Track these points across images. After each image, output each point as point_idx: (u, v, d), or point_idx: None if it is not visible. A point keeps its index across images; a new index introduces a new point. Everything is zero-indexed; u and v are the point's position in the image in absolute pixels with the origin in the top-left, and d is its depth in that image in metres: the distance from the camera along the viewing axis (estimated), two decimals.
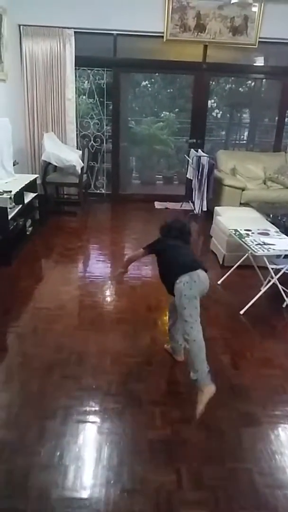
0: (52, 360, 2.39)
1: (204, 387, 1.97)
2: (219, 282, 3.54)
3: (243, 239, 3.16)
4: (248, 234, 3.27)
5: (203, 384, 1.98)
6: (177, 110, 8.84)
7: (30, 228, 4.50)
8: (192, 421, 1.96)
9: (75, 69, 5.56)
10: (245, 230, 3.38)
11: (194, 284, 2.08)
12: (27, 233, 4.36)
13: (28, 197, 4.44)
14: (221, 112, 9.52)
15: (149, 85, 9.47)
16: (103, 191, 6.52)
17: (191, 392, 2.14)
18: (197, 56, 5.81)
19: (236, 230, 3.36)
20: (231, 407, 2.09)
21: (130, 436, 1.89)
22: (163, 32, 5.45)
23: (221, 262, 3.93)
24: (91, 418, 2.00)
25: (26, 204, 4.23)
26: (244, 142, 8.85)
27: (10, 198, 3.56)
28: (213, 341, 2.66)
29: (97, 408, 2.05)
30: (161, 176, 8.63)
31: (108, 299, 3.19)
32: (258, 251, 2.93)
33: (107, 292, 3.31)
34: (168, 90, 9.35)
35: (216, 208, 4.67)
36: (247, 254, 3.39)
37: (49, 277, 3.55)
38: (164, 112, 8.60)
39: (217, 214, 4.51)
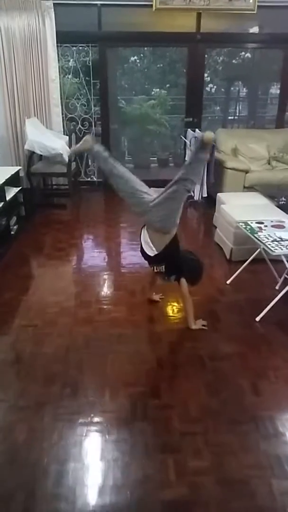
0: (42, 396, 2.03)
1: None
2: (228, 282, 3.16)
3: (255, 235, 2.77)
4: (260, 228, 2.87)
5: None
6: (168, 86, 8.31)
7: (15, 227, 4.09)
8: (213, 473, 1.61)
9: (57, 46, 5.05)
10: (256, 223, 2.98)
11: None
12: (12, 232, 3.95)
13: (11, 192, 4.01)
14: (215, 87, 8.98)
15: (138, 61, 8.90)
16: (95, 179, 6.07)
17: (209, 432, 1.79)
18: (189, 27, 5.28)
19: (246, 224, 2.96)
20: (257, 452, 1.74)
21: (137, 497, 1.54)
22: (152, 0, 4.91)
23: (228, 257, 3.55)
24: (90, 476, 1.64)
25: (8, 200, 3.80)
26: (243, 118, 8.34)
27: None
28: (227, 360, 2.30)
29: (97, 460, 1.70)
30: (155, 159, 8.15)
31: (105, 309, 2.81)
32: (276, 249, 2.54)
33: (103, 301, 2.92)
34: (158, 65, 8.78)
35: (219, 194, 4.25)
36: (259, 249, 3.00)
37: (37, 285, 3.15)
38: (155, 89, 8.06)
39: (220, 202, 4.10)
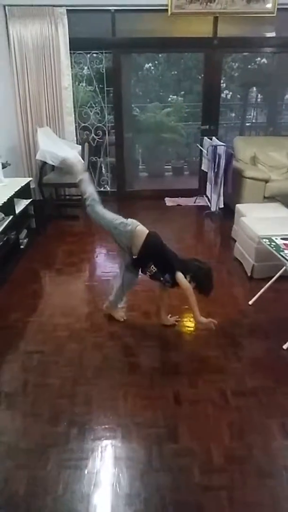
0: (45, 437, 1.82)
1: None
2: (250, 303, 2.92)
3: (282, 253, 2.53)
4: (286, 245, 2.63)
5: None
6: (182, 92, 8.14)
7: (25, 240, 3.93)
8: None
9: (70, 53, 4.91)
10: (281, 238, 2.75)
11: None
12: (21, 246, 3.79)
13: (21, 205, 3.86)
14: (230, 93, 8.78)
15: (152, 68, 8.77)
16: (108, 189, 5.91)
17: (235, 487, 1.56)
18: (204, 32, 5.10)
19: (270, 240, 2.73)
20: None
21: None
22: (167, 5, 4.74)
23: (249, 274, 3.31)
24: None
25: (18, 214, 3.65)
26: (260, 124, 8.10)
27: None
28: (253, 395, 2.06)
29: None
30: (170, 167, 7.97)
31: (117, 333, 2.60)
32: None
33: (115, 324, 2.71)
34: (173, 72, 8.63)
35: (238, 206, 4.02)
36: (285, 267, 2.76)
37: (45, 304, 2.96)
38: (171, 96, 7.89)
39: (240, 214, 3.87)
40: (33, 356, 2.36)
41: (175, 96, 8.08)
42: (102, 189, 5.89)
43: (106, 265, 3.68)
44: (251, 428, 1.88)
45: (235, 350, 2.41)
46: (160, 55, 8.22)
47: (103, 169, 6.00)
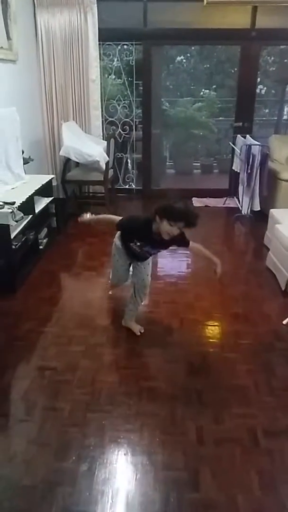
0: (52, 473, 1.63)
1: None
2: (284, 322, 2.64)
3: None
4: None
5: None
6: (214, 87, 7.80)
7: (44, 240, 3.76)
8: None
9: (99, 44, 4.69)
10: None
11: None
12: (40, 247, 3.62)
13: (41, 203, 3.68)
14: (265, 88, 8.38)
15: (184, 61, 8.46)
16: (133, 187, 5.69)
17: None
18: (241, 24, 4.78)
19: None
20: None
21: None
22: None
23: (283, 288, 3.02)
24: None
25: (37, 213, 3.47)
26: None
27: (12, 212, 2.79)
28: (287, 439, 1.80)
29: None
30: (198, 164, 7.68)
31: (135, 350, 2.38)
32: None
33: (134, 338, 2.49)
34: (205, 66, 8.30)
35: (273, 211, 3.72)
36: None
37: (61, 313, 2.77)
38: (203, 90, 7.56)
39: (274, 221, 3.57)
40: (45, 374, 2.17)
41: (207, 91, 7.75)
42: (127, 186, 5.68)
43: None
44: (285, 477, 1.63)
45: (267, 379, 2.15)
46: (192, 48, 7.90)
47: (129, 165, 5.78)
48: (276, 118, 7.60)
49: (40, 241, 3.68)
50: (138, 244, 2.27)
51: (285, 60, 8.03)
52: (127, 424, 1.87)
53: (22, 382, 2.12)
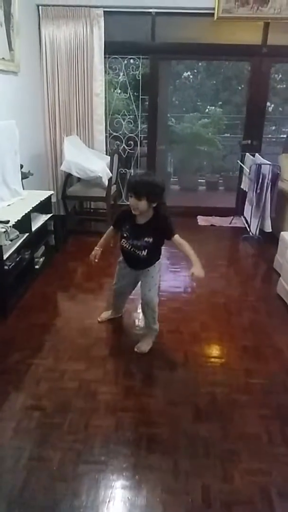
0: None
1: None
2: None
3: None
4: None
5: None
6: (220, 103, 7.71)
7: (41, 259, 3.55)
8: None
9: (105, 57, 4.56)
10: None
11: None
12: (36, 266, 3.41)
13: (39, 220, 3.49)
14: (272, 105, 8.28)
15: (191, 76, 8.39)
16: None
17: None
18: (250, 40, 4.65)
19: None
20: None
21: None
22: (213, 9, 4.33)
23: None
24: None
25: (34, 231, 3.28)
26: None
27: (6, 231, 2.60)
28: None
29: None
30: (204, 181, 7.53)
31: (134, 389, 2.15)
32: None
33: (132, 374, 2.27)
34: (212, 82, 8.23)
35: (284, 234, 3.51)
36: None
37: (53, 342, 2.54)
38: (209, 107, 7.46)
39: (285, 244, 3.37)
40: (33, 415, 1.94)
41: (213, 107, 7.65)
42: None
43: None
44: None
45: (281, 427, 1.92)
46: (200, 64, 7.84)
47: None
48: (284, 136, 7.46)
49: (36, 260, 3.49)
50: (125, 235, 2.31)
51: None
52: (123, 479, 1.64)
53: (6, 425, 1.88)
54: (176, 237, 2.22)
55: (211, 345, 2.54)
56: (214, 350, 2.50)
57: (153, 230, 2.22)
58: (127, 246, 2.33)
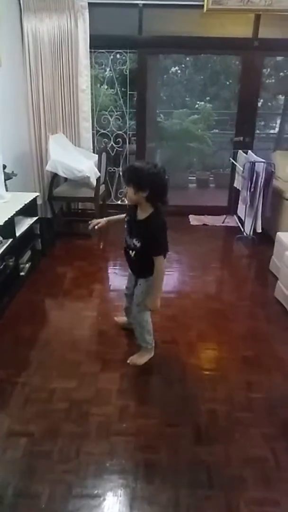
0: None
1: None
2: None
3: None
4: None
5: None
6: (208, 98, 7.55)
7: (27, 265, 3.37)
8: None
9: (90, 51, 4.37)
10: None
11: None
12: (22, 273, 3.23)
13: (24, 224, 3.31)
14: (261, 100, 8.16)
15: (179, 71, 8.22)
16: (126, 202, 5.31)
17: None
18: (240, 34, 4.50)
19: None
20: None
21: None
22: (203, 0, 4.17)
23: None
24: None
25: (19, 236, 3.09)
26: None
27: None
28: None
29: None
30: (194, 178, 7.38)
31: (129, 408, 2.00)
32: None
33: (126, 392, 2.11)
34: (200, 77, 8.07)
35: (280, 235, 3.38)
36: None
37: (40, 358, 2.37)
38: (198, 103, 7.30)
39: (282, 246, 3.24)
40: (19, 443, 1.78)
41: (202, 103, 7.49)
42: (119, 202, 5.33)
43: (119, 300, 3.05)
44: None
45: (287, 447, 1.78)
46: (187, 58, 7.67)
47: (121, 180, 5.43)
48: (276, 132, 7.35)
49: (22, 266, 3.30)
50: (125, 227, 2.16)
51: (281, 73, 7.82)
52: None
53: None
54: (158, 259, 2.01)
55: (209, 356, 2.40)
56: (213, 362, 2.36)
57: (143, 234, 2.03)
58: (124, 241, 2.18)
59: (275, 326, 2.73)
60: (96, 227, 2.25)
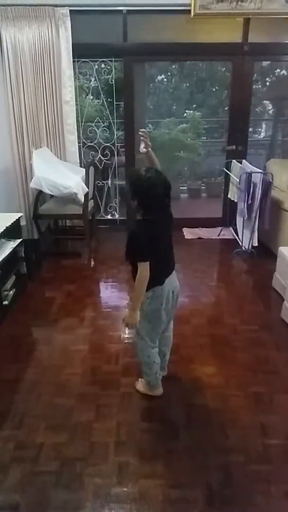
0: None
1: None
2: None
3: None
4: None
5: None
6: (194, 106, 7.39)
7: (11, 292, 3.09)
8: None
9: (74, 61, 4.16)
10: None
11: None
12: (5, 302, 2.95)
13: (7, 248, 3.04)
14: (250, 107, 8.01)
15: (165, 80, 8.07)
16: (116, 216, 5.10)
17: None
18: (231, 38, 4.32)
19: None
20: None
21: None
22: (189, 5, 3.98)
23: None
24: None
25: (2, 261, 2.82)
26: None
27: None
28: None
29: None
30: (185, 188, 7.18)
31: (129, 464, 1.73)
32: None
33: (124, 444, 1.85)
34: (185, 84, 7.93)
35: (283, 250, 3.16)
36: None
37: (27, 404, 2.10)
38: (187, 111, 7.12)
39: (286, 261, 3.01)
40: None
41: (191, 111, 7.32)
42: (109, 216, 5.10)
43: (112, 328, 2.78)
44: None
45: None
46: (173, 66, 7.52)
47: (111, 193, 5.20)
48: (264, 137, 7.19)
49: (5, 293, 3.03)
50: None
51: (267, 79, 7.70)
52: None
53: None
54: (140, 266, 1.78)
55: (216, 394, 2.14)
56: (221, 401, 2.10)
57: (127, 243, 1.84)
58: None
59: (285, 353, 2.49)
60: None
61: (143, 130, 2.00)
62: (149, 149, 1.99)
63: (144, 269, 1.77)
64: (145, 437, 1.87)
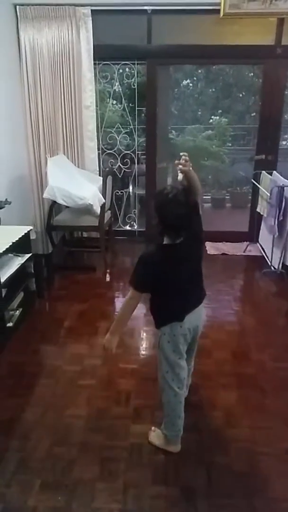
0: None
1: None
2: None
3: None
4: None
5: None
6: (220, 111, 7.08)
7: (17, 312, 2.85)
8: None
9: (95, 64, 3.93)
10: None
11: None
12: (9, 324, 2.70)
13: (13, 264, 2.80)
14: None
15: (190, 84, 7.79)
16: (135, 227, 4.83)
17: None
18: (263, 41, 4.01)
19: None
20: None
21: None
22: (219, 4, 3.68)
23: None
24: None
25: (7, 279, 2.59)
26: None
27: None
28: None
29: None
30: (209, 197, 6.85)
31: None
32: None
33: (134, 510, 1.55)
34: (212, 89, 7.62)
35: None
36: None
37: (22, 453, 1.83)
38: (213, 117, 6.81)
39: None
40: None
41: (217, 117, 7.01)
42: (128, 227, 4.83)
43: (128, 360, 2.49)
44: None
45: None
46: (199, 71, 7.24)
47: (130, 203, 4.94)
48: None
49: (11, 313, 2.79)
50: None
51: None
52: None
53: None
54: (130, 289, 1.65)
55: (242, 451, 1.82)
56: (247, 461, 1.77)
57: None
58: None
59: None
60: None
61: (185, 154, 1.67)
62: (190, 168, 1.66)
63: (133, 296, 1.64)
64: (156, 505, 1.57)
